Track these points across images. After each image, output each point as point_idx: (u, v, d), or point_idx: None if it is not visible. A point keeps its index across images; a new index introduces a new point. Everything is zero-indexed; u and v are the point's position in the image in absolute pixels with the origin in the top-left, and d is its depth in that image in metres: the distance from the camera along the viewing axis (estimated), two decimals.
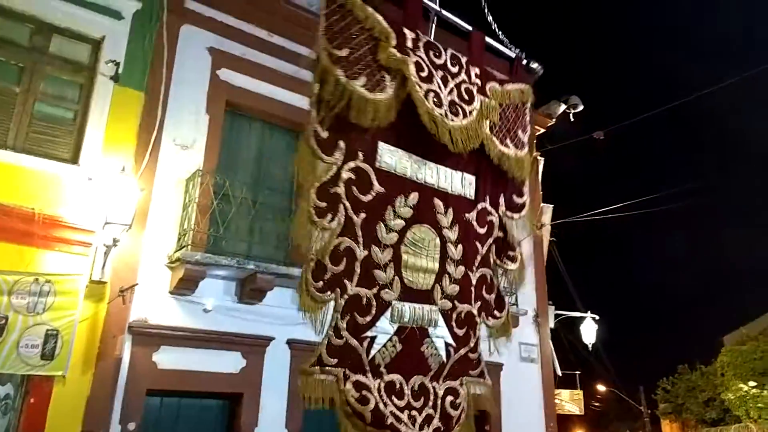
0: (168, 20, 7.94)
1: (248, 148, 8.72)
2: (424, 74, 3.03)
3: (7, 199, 6.41)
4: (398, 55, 2.89)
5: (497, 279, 3.32)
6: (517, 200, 3.59)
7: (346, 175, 2.75)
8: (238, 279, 7.69)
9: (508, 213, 3.56)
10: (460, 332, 3.09)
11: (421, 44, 3.08)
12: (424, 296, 2.99)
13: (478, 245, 3.25)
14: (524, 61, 4.24)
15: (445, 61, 3.18)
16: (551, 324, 11.42)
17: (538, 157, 12.01)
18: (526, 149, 3.73)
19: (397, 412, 2.79)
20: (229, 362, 7.47)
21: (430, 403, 2.93)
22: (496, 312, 3.26)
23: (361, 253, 2.76)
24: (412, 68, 2.94)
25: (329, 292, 2.68)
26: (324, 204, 2.67)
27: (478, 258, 3.25)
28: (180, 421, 7.23)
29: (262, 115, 8.79)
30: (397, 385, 2.81)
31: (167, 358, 7.08)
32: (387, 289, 2.85)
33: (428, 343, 3.02)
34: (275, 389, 7.69)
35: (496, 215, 3.37)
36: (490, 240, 3.31)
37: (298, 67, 9.08)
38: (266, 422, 7.46)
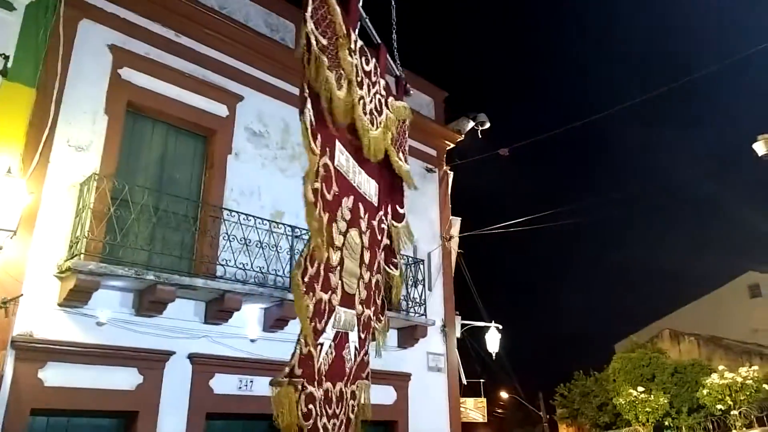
0: (65, 14, 7.45)
1: (150, 152, 8.32)
2: (358, 79, 3.04)
3: None
4: (349, 57, 2.86)
5: (383, 284, 3.46)
6: (400, 211, 3.76)
7: (321, 170, 2.67)
8: (137, 290, 7.30)
9: (393, 222, 3.65)
10: (363, 336, 3.13)
11: (358, 48, 3.09)
12: (351, 301, 3.00)
13: (377, 251, 3.33)
14: (404, 82, 4.41)
15: (371, 69, 3.23)
16: (458, 333, 11.70)
17: (448, 171, 12.33)
18: (408, 163, 3.88)
19: (327, 423, 2.74)
20: (125, 379, 7.06)
21: (343, 408, 2.91)
22: (380, 315, 3.36)
23: (322, 254, 2.64)
24: (353, 71, 2.93)
25: (306, 296, 2.55)
26: (313, 199, 2.57)
27: (376, 264, 3.32)
28: None
29: (167, 118, 8.45)
30: (329, 393, 2.78)
31: (55, 375, 6.59)
32: (335, 294, 2.81)
33: (347, 347, 3.03)
34: (174, 406, 7.34)
35: (386, 223, 3.47)
36: (382, 246, 3.41)
37: (206, 69, 8.85)
38: None
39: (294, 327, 8.83)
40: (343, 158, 2.98)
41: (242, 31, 9.32)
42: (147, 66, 8.16)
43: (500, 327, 12.52)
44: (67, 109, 7.32)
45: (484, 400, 15.94)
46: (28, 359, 6.48)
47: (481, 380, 15.73)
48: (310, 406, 2.55)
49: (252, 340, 8.31)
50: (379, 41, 3.75)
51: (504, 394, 24.45)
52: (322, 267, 2.62)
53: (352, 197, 3.00)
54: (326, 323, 2.77)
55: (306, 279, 2.50)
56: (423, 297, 10.49)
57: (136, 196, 7.32)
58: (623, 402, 18.94)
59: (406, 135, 3.95)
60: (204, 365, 7.77)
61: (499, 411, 24.07)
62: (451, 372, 11.19)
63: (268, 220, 8.65)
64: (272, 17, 10.12)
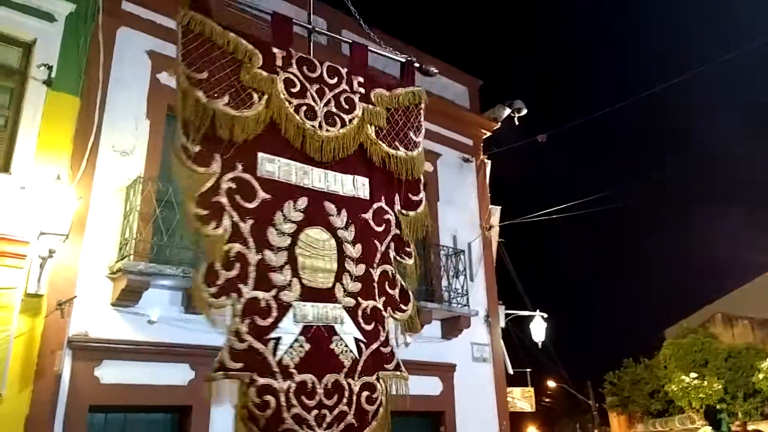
0: (104, 22, 7.66)
1: None
2: (295, 89, 3.22)
3: None
4: (264, 74, 3.09)
5: (398, 275, 3.50)
6: (414, 198, 3.76)
7: (226, 185, 2.90)
8: (185, 288, 7.48)
9: (404, 211, 3.66)
10: (369, 327, 3.20)
11: (293, 61, 3.30)
12: (325, 295, 3.10)
13: (377, 243, 3.41)
14: (416, 65, 4.40)
15: (321, 73, 3.38)
16: (502, 323, 11.60)
17: (485, 160, 12.21)
18: (419, 149, 3.85)
19: (303, 413, 2.84)
20: (177, 374, 7.25)
21: (345, 400, 3.01)
22: (401, 305, 3.41)
23: (254, 257, 2.87)
24: (281, 85, 3.13)
25: (224, 297, 2.78)
26: (206, 212, 2.81)
27: (378, 255, 3.41)
28: None
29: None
30: (309, 385, 2.89)
31: (110, 373, 6.82)
32: (285, 291, 2.98)
33: (337, 340, 3.10)
34: (226, 400, 7.49)
35: (392, 214, 3.50)
36: (389, 238, 3.45)
37: None
38: None
39: None
40: (273, 166, 3.17)
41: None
42: None
43: (545, 316, 12.35)
44: (110, 116, 7.54)
45: (531, 389, 15.77)
46: (84, 358, 6.72)
47: (528, 369, 15.58)
48: (267, 396, 2.75)
49: None
50: (350, 42, 3.89)
51: (551, 383, 24.14)
52: (250, 268, 2.83)
53: (304, 198, 3.10)
54: (276, 319, 2.93)
55: (220, 282, 2.73)
56: (465, 287, 10.44)
57: (179, 197, 7.47)
58: (675, 389, 18.50)
59: (417, 120, 3.90)
60: None
61: (546, 400, 23.80)
62: (496, 362, 11.11)
63: None
64: (304, 15, 10.17)
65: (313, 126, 3.23)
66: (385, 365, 3.24)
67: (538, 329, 12.29)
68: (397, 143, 3.64)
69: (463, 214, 11.48)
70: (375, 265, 3.40)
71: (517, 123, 12.09)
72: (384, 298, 3.39)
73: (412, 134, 3.78)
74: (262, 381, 2.76)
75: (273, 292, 2.92)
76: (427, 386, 9.89)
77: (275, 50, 3.26)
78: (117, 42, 7.83)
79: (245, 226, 2.90)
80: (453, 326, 10.24)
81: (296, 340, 2.94)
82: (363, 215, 3.41)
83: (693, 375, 18.26)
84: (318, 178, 3.30)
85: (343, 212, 3.31)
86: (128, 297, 6.94)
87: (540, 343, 12.39)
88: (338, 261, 3.19)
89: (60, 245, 6.57)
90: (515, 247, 13.03)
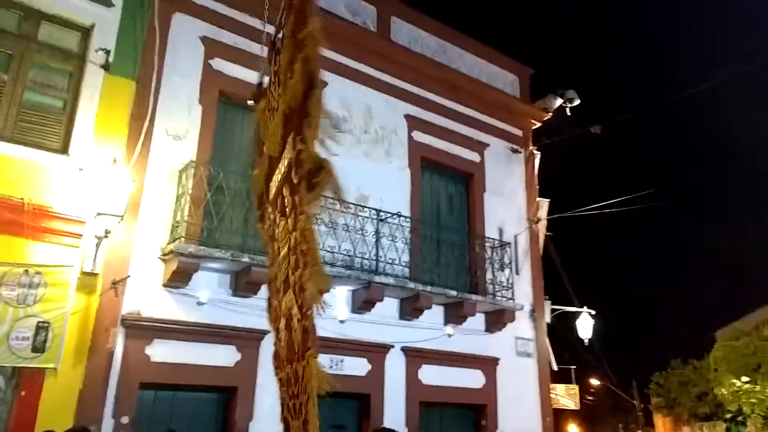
0: (160, 8, 7.81)
1: (242, 139, 8.59)
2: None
3: None
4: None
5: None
6: None
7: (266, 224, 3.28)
8: (233, 272, 7.59)
9: None
10: (299, 301, 3.00)
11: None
12: (286, 283, 3.15)
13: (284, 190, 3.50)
14: None
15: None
16: (547, 318, 11.37)
17: (534, 152, 11.95)
18: None
19: (288, 402, 2.88)
20: (224, 356, 7.37)
21: (300, 388, 2.91)
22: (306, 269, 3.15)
23: (272, 273, 3.14)
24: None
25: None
26: None
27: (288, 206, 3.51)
28: (174, 414, 7.12)
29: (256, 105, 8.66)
30: (290, 374, 2.95)
31: (161, 351, 6.98)
32: (278, 293, 3.18)
33: (295, 326, 3.03)
34: (270, 382, 7.58)
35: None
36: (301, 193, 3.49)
37: None
38: (262, 416, 7.35)
39: (381, 309, 8.95)
40: None
41: (324, 17, 9.38)
42: (236, 55, 8.40)
43: (593, 312, 12.05)
44: (164, 101, 7.68)
45: (575, 386, 15.46)
46: (136, 336, 6.90)
47: (573, 366, 15.26)
48: (281, 389, 2.81)
49: (341, 321, 8.45)
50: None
51: (595, 382, 23.66)
52: (274, 285, 3.00)
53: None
54: (278, 319, 2.96)
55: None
56: (510, 281, 10.27)
57: (229, 181, 7.59)
58: (725, 392, 17.87)
59: None
60: None
61: (589, 398, 23.36)
62: (541, 357, 10.91)
63: (354, 204, 8.74)
64: (353, 2, 10.15)
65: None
66: (308, 344, 2.82)
67: (585, 326, 12.00)
68: None
69: (510, 206, 11.29)
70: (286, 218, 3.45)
71: (568, 113, 11.78)
72: (293, 259, 3.09)
73: None
74: (278, 374, 2.92)
75: (276, 297, 3.07)
76: (470, 379, 9.81)
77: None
78: (172, 28, 7.96)
79: (271, 251, 3.10)
80: (497, 320, 10.10)
81: (283, 334, 3.07)
82: (293, 176, 3.51)
83: (745, 379, 17.60)
84: (281, 168, 3.52)
85: (286, 186, 3.19)
86: (179, 278, 7.08)
87: (586, 340, 12.11)
88: (288, 244, 3.29)
89: (115, 226, 6.74)
90: (563, 241, 12.72)
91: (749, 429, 17.31)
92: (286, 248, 2.85)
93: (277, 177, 3.10)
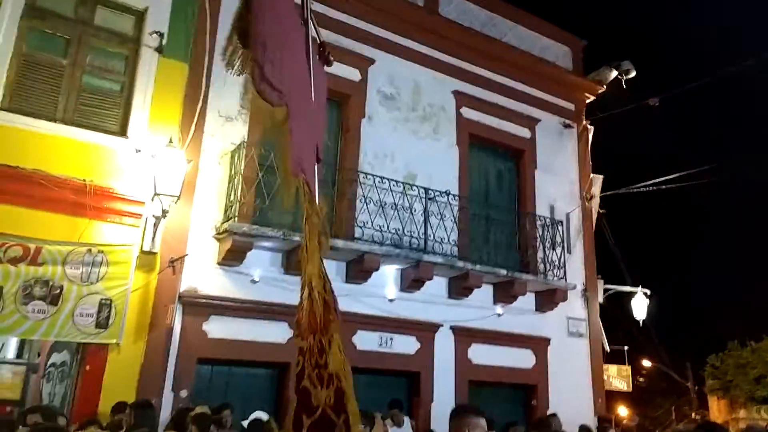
0: None
1: None
2: None
3: (59, 170, 6.52)
4: None
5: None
6: None
7: None
8: (284, 250, 7.70)
9: None
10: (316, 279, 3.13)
11: None
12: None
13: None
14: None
15: None
16: (600, 299, 11.13)
17: (588, 126, 11.59)
18: None
19: (310, 371, 2.84)
20: (277, 332, 7.51)
21: (327, 360, 2.94)
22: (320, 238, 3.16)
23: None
24: None
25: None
26: None
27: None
28: (230, 388, 7.33)
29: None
30: (313, 344, 2.89)
31: (217, 328, 7.17)
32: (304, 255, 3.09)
33: (315, 296, 3.04)
34: None
35: None
36: None
37: (338, 34, 8.94)
38: None
39: (430, 288, 8.93)
40: None
41: None
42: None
43: (648, 292, 11.72)
44: (216, 83, 7.76)
45: (628, 368, 15.15)
46: (193, 313, 7.10)
47: (625, 347, 14.93)
48: (299, 357, 2.77)
49: (390, 300, 8.49)
50: None
51: (647, 363, 23.15)
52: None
53: None
54: (304, 283, 2.89)
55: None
56: (562, 259, 10.07)
57: (280, 162, 7.63)
58: None
59: None
60: (347, 323, 8.06)
61: (641, 380, 22.91)
62: (593, 338, 10.71)
63: (402, 183, 8.70)
64: None
65: None
66: (330, 317, 2.93)
67: (640, 306, 11.70)
68: None
69: (562, 182, 11.03)
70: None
71: (624, 86, 11.36)
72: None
73: None
74: (298, 342, 2.88)
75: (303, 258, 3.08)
76: (520, 359, 9.73)
77: None
78: (222, 11, 8.00)
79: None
80: (548, 299, 9.95)
81: (305, 302, 2.99)
82: None
83: None
84: None
85: None
86: (233, 257, 7.23)
87: (641, 322, 11.81)
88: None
89: (172, 206, 6.91)
90: (617, 218, 12.35)
91: None
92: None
93: None
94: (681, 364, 22.73)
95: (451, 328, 9.10)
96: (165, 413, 6.59)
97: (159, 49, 7.37)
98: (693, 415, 21.77)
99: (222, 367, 7.40)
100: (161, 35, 7.39)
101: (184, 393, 6.80)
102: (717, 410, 21.33)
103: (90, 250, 6.44)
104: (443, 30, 10.09)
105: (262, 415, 5.94)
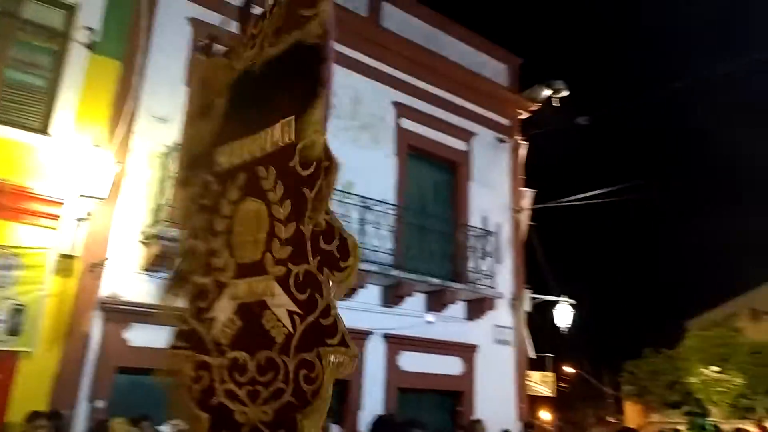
0: None
1: None
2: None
3: None
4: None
5: (336, 221, 2.81)
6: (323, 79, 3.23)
7: (194, 191, 3.05)
8: None
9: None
10: (302, 297, 2.80)
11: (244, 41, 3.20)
12: (254, 268, 2.91)
13: (306, 191, 2.86)
14: None
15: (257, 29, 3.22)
16: (527, 307, 11.50)
17: (521, 141, 11.96)
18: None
19: (235, 389, 2.81)
20: None
21: (281, 377, 2.85)
22: (341, 262, 2.75)
23: (202, 247, 2.93)
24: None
25: (181, 289, 2.96)
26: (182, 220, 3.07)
27: (309, 206, 2.89)
28: (151, 398, 7.07)
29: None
30: (241, 361, 2.83)
31: (139, 336, 6.92)
32: (222, 272, 2.93)
33: (268, 314, 2.92)
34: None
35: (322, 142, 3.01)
36: (319, 179, 2.84)
37: None
38: None
39: (363, 295, 8.95)
40: (221, 156, 3.15)
41: None
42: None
43: (572, 302, 12.21)
44: (149, 82, 7.52)
45: (551, 374, 15.74)
46: (114, 320, 6.83)
47: (549, 354, 15.51)
48: (201, 372, 2.80)
49: None
50: None
51: (569, 369, 24.11)
52: (200, 258, 2.93)
53: (242, 174, 2.98)
54: (213, 300, 2.92)
55: (179, 276, 2.92)
56: (492, 269, 10.35)
57: None
58: (695, 381, 18.37)
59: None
60: None
61: (563, 386, 23.82)
62: (519, 345, 11.06)
63: (340, 191, 8.69)
64: None
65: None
66: (327, 339, 2.82)
67: (564, 315, 12.17)
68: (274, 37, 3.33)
69: (495, 195, 11.32)
70: (306, 220, 2.95)
71: (556, 105, 11.78)
72: (319, 258, 2.90)
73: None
74: (198, 357, 2.86)
75: (213, 275, 2.95)
76: (448, 366, 9.92)
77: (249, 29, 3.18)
78: (159, 8, 7.76)
79: (199, 221, 2.98)
80: (478, 307, 10.20)
81: (230, 318, 2.95)
82: (290, 163, 2.97)
83: (714, 368, 18.08)
84: (254, 146, 3.12)
85: (271, 169, 2.99)
86: (161, 262, 6.99)
87: (565, 329, 12.28)
88: (268, 228, 2.95)
89: (96, 208, 6.63)
90: (546, 231, 12.79)
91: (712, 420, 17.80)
92: (265, 233, 2.84)
93: (242, 151, 3.04)
94: (600, 370, 23.83)
95: (384, 335, 9.17)
96: (80, 425, 6.31)
97: (90, 46, 7.05)
98: (609, 418, 22.85)
99: (143, 377, 7.13)
100: (93, 31, 7.07)
101: (101, 403, 6.54)
102: (632, 414, 22.47)
103: (2, 253, 6.10)
104: (385, 42, 10.15)
105: (179, 425, 5.79)
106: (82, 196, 6.49)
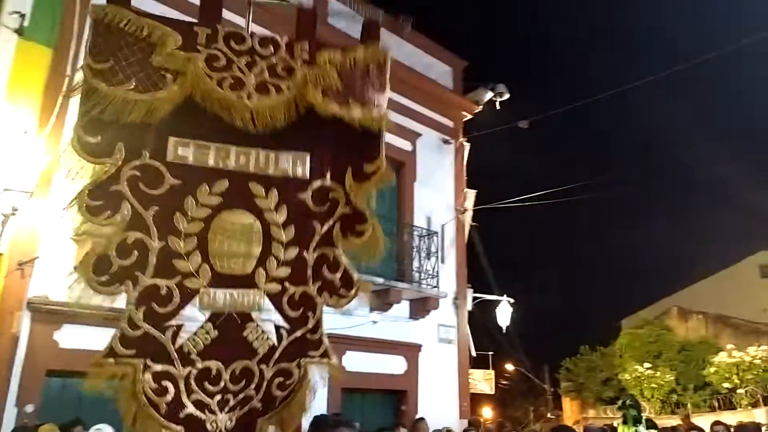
0: None
1: None
2: (219, 64, 3.00)
3: None
4: (180, 53, 2.94)
5: (343, 257, 3.20)
6: (368, 168, 3.27)
7: (128, 173, 2.85)
8: None
9: (356, 184, 3.24)
10: (294, 314, 3.02)
11: (219, 37, 3.05)
12: (241, 281, 2.95)
13: (316, 224, 3.14)
14: (380, 19, 4.09)
15: (252, 46, 3.13)
16: (469, 306, 11.69)
17: (464, 143, 12.16)
18: (380, 110, 3.34)
19: (206, 399, 2.79)
20: None
21: (253, 385, 2.92)
22: (342, 291, 3.15)
23: (155, 244, 2.81)
24: (201, 63, 2.93)
25: (117, 285, 2.78)
26: (99, 202, 2.84)
27: (317, 237, 3.15)
28: (83, 403, 6.79)
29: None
30: (214, 371, 2.82)
31: (70, 337, 6.63)
32: (192, 277, 2.85)
33: (252, 327, 2.97)
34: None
35: (342, 190, 3.23)
36: (333, 217, 3.19)
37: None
38: None
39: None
40: (186, 150, 2.99)
41: None
42: None
43: (512, 300, 12.49)
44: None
45: (492, 372, 16.04)
46: (43, 321, 6.53)
47: (490, 353, 15.81)
48: (165, 382, 2.71)
49: None
50: (299, 3, 3.57)
51: (510, 367, 24.65)
52: (151, 255, 2.80)
53: (222, 181, 2.93)
54: (179, 306, 2.82)
55: (113, 269, 2.77)
56: (435, 269, 10.46)
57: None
58: (629, 377, 19.06)
59: (381, 79, 3.34)
60: None
61: (504, 383, 24.32)
62: (461, 344, 11.23)
63: None
64: None
65: (240, 96, 3.01)
66: (310, 352, 3.09)
67: (504, 314, 12.43)
68: (351, 102, 3.30)
69: (438, 195, 11.46)
70: (312, 248, 3.18)
71: (498, 107, 12.06)
72: (320, 283, 3.18)
73: (371, 93, 3.41)
74: (158, 367, 2.69)
75: (177, 279, 2.80)
76: (392, 365, 9.95)
77: (197, 29, 3.05)
78: None
79: (147, 214, 2.81)
80: (421, 307, 10.29)
81: (202, 327, 2.84)
82: (299, 195, 3.18)
83: (647, 365, 18.82)
84: (243, 159, 3.10)
85: (273, 193, 3.10)
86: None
87: (505, 328, 12.56)
88: (263, 245, 3.02)
89: (24, 202, 6.30)
90: (487, 231, 13.07)
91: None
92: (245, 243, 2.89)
93: (224, 158, 2.98)
94: (539, 367, 24.45)
95: (328, 335, 9.10)
96: (6, 430, 5.98)
97: (18, 31, 6.70)
98: (548, 414, 23.46)
99: (75, 380, 6.83)
100: (22, 16, 6.73)
101: (30, 408, 6.23)
102: (570, 410, 23.13)
103: None
104: (331, 39, 10.08)
105: (107, 429, 5.57)
106: (6, 189, 6.14)
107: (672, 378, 18.30)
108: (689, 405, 17.75)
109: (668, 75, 10.91)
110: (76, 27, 7.13)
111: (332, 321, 9.25)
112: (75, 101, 6.98)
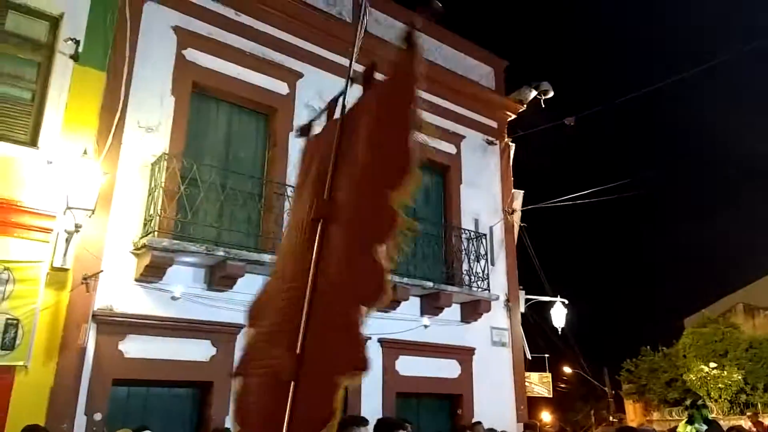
0: None
1: (216, 131, 8.49)
2: None
3: None
4: None
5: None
6: None
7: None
8: (208, 266, 7.52)
9: None
10: None
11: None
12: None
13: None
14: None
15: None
16: (522, 308, 11.52)
17: (510, 143, 12.03)
18: None
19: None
20: (199, 350, 7.32)
21: None
22: None
23: None
24: None
25: None
26: None
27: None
28: (148, 410, 7.06)
29: (230, 97, 8.57)
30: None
31: (134, 347, 6.90)
32: None
33: None
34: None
35: None
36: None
37: (265, 47, 8.89)
38: None
39: None
40: None
41: (300, 7, 9.31)
42: (210, 46, 8.27)
43: (566, 302, 12.23)
44: (136, 92, 7.53)
45: (549, 375, 15.73)
46: (108, 332, 6.80)
47: (546, 355, 15.51)
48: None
49: None
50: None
51: (567, 369, 24.09)
52: None
53: None
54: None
55: None
56: (486, 271, 10.36)
57: (203, 174, 7.50)
58: (694, 378, 18.38)
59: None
60: None
61: (562, 386, 23.80)
62: (515, 346, 11.06)
63: None
64: None
65: None
66: None
67: (559, 315, 12.19)
68: None
69: (485, 197, 11.37)
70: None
71: (543, 106, 11.89)
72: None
73: None
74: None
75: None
76: (446, 369, 9.90)
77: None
78: (143, 17, 7.79)
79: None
80: (473, 310, 10.20)
81: None
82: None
83: (712, 365, 18.11)
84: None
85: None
86: (152, 273, 6.99)
87: (560, 329, 12.31)
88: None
89: (86, 220, 6.61)
90: (537, 231, 12.86)
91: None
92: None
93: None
94: (599, 369, 23.81)
95: (379, 340, 9.15)
96: None
97: (74, 57, 7.05)
98: (610, 418, 22.79)
99: (139, 388, 7.11)
100: (77, 42, 7.07)
101: (98, 416, 6.50)
102: (633, 413, 22.44)
103: None
104: (371, 47, 10.19)
105: None
106: (69, 208, 6.46)
107: (740, 377, 17.54)
108: (759, 405, 16.94)
109: (721, 63, 10.53)
110: (127, 51, 7.47)
111: (385, 326, 9.37)
112: (130, 123, 7.32)
